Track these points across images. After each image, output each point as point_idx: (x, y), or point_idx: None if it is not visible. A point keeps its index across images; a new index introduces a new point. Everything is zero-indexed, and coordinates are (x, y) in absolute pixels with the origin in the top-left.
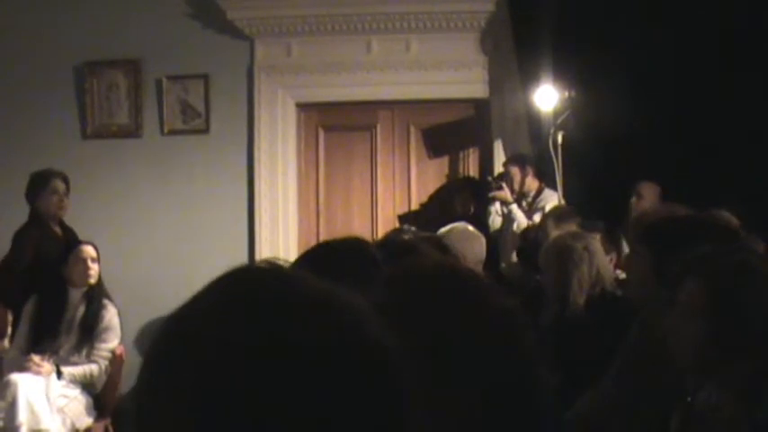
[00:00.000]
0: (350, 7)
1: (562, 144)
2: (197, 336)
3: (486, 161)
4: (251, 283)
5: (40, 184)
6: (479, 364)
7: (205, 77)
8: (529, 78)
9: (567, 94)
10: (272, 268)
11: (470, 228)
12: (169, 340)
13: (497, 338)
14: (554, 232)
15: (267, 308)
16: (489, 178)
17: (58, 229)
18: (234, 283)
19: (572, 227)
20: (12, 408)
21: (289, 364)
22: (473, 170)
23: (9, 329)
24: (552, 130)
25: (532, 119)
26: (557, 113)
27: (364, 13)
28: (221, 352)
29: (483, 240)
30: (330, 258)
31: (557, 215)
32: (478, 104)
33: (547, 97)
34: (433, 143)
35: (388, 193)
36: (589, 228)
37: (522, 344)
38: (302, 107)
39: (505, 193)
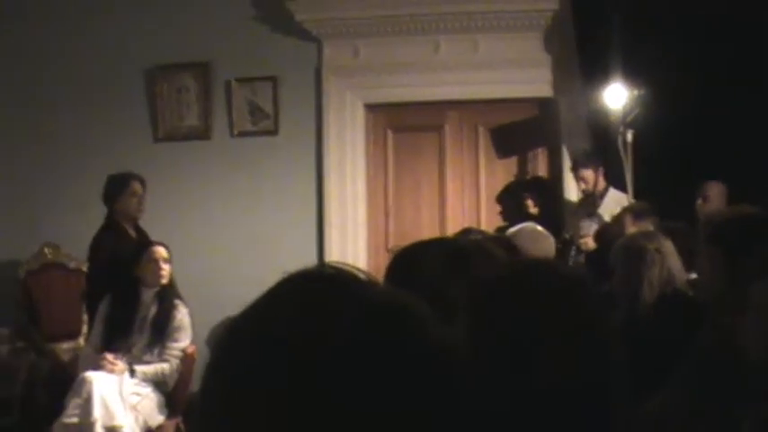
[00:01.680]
0: (417, 7)
1: (632, 143)
2: (260, 337)
3: (554, 160)
4: (314, 287)
5: (118, 187)
6: (563, 362)
7: (273, 79)
8: (594, 77)
9: (636, 92)
10: (335, 271)
11: (539, 228)
12: (233, 342)
13: (582, 337)
14: (631, 228)
15: (330, 310)
16: (567, 235)
17: (132, 231)
18: (297, 287)
19: (649, 225)
20: (87, 404)
21: (353, 365)
22: (542, 169)
23: (84, 328)
24: (621, 129)
25: (598, 118)
26: (626, 112)
27: (431, 13)
28: (283, 353)
29: (552, 240)
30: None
31: (635, 211)
32: (545, 104)
33: (615, 95)
34: (501, 143)
35: (457, 194)
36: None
37: (607, 343)
38: (370, 108)
39: (588, 239)
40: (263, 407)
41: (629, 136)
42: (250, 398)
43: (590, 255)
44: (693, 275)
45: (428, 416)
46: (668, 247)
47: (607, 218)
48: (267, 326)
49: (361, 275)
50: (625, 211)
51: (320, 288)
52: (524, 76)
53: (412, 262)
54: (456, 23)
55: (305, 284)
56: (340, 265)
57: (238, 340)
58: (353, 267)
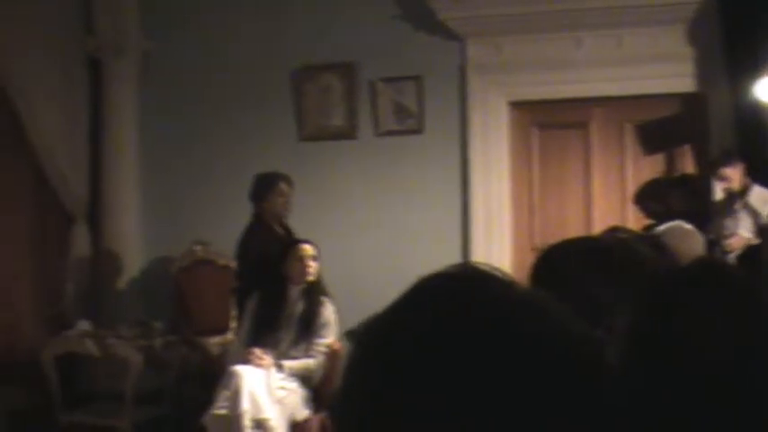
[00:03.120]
0: (560, 3)
1: None
2: (398, 337)
3: (701, 157)
4: (451, 287)
5: (266, 186)
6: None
7: (417, 78)
8: (743, 69)
9: None
10: (473, 271)
11: (687, 226)
12: (370, 342)
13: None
14: None
15: (468, 310)
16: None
17: (279, 229)
18: (435, 287)
19: None
20: (235, 397)
21: (491, 366)
22: (689, 166)
23: (233, 324)
24: None
25: (747, 112)
26: None
27: (574, 8)
28: (421, 353)
29: (701, 238)
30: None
31: None
32: (691, 98)
33: (767, 88)
34: (647, 139)
35: (603, 192)
36: None
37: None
38: (514, 105)
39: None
40: (401, 406)
41: None
42: (387, 397)
43: (743, 254)
44: None
45: (566, 417)
46: None
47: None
48: (404, 326)
49: (501, 275)
50: None
51: (458, 288)
52: (670, 71)
53: (556, 261)
54: (599, 19)
55: (442, 284)
56: (479, 265)
57: (376, 340)
58: (493, 267)
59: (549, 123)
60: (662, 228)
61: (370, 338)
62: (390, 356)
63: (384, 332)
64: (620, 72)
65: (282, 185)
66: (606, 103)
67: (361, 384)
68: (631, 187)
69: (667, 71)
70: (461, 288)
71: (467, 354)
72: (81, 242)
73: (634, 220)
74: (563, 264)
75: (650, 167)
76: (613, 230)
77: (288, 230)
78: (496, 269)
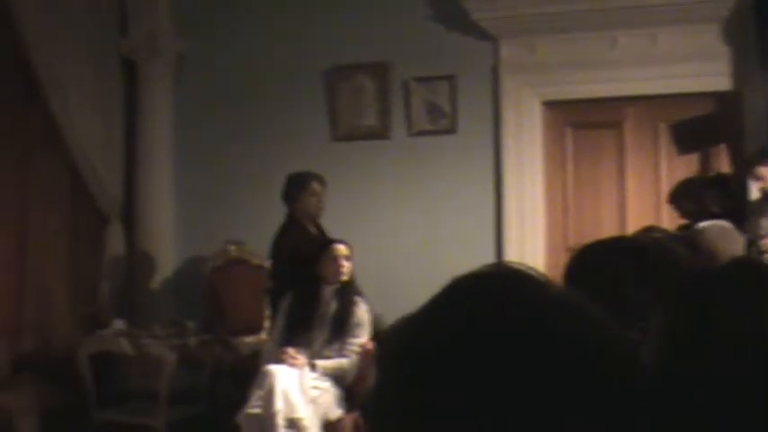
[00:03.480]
0: (594, 3)
1: None
2: (432, 336)
3: (737, 155)
4: (486, 286)
5: (298, 186)
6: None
7: (451, 78)
8: None
9: None
10: (508, 271)
11: (726, 224)
12: (403, 343)
13: None
14: None
15: (503, 309)
16: (748, 236)
17: (313, 229)
18: (469, 287)
19: None
20: (269, 396)
21: (524, 365)
22: (724, 165)
23: (267, 323)
24: None
25: None
26: None
27: (608, 8)
28: (456, 353)
29: (740, 237)
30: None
31: None
32: (726, 97)
33: None
34: (682, 139)
35: (638, 192)
36: None
37: None
38: (548, 105)
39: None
40: (431, 404)
41: None
42: (419, 395)
43: None
44: None
45: (582, 417)
46: None
47: None
48: (439, 325)
49: (535, 274)
50: None
51: (492, 287)
52: (704, 70)
53: (590, 261)
54: (633, 17)
55: (477, 284)
56: (514, 265)
57: (410, 339)
58: (528, 267)
59: (583, 123)
60: (701, 226)
61: (404, 337)
62: (424, 355)
63: (418, 331)
64: (655, 71)
65: (315, 185)
66: (640, 102)
67: (395, 382)
68: (666, 187)
69: (702, 70)
70: (496, 287)
71: (500, 353)
72: (115, 242)
73: (669, 219)
74: (597, 264)
75: (685, 167)
76: (648, 230)
77: (321, 230)
78: (531, 268)
